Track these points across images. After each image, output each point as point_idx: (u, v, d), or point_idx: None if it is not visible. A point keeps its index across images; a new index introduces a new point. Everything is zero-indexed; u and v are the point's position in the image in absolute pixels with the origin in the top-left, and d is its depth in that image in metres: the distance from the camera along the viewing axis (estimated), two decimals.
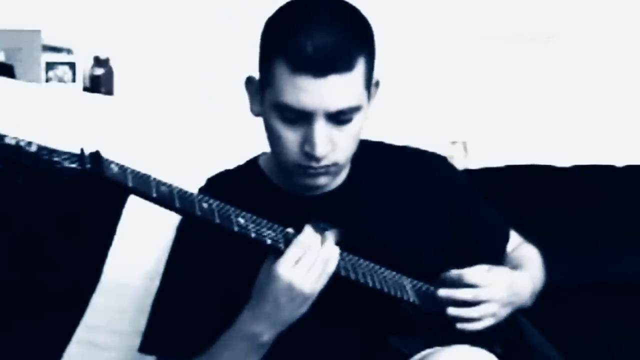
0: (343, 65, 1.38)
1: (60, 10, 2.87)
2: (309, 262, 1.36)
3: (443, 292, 1.49)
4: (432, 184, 1.62)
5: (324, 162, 1.43)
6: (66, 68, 2.84)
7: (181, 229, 1.55)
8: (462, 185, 1.67)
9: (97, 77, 2.86)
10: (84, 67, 2.88)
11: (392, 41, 2.86)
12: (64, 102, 2.29)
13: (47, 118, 2.10)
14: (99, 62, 2.87)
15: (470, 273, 1.49)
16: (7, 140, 1.17)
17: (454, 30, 3.03)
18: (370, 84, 1.47)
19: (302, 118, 1.40)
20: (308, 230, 1.37)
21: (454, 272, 1.50)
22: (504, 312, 1.52)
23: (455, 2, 3.02)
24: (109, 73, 2.87)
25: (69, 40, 2.89)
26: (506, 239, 1.72)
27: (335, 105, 1.39)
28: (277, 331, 1.40)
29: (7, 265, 2.05)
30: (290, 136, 1.43)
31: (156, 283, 1.59)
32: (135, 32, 2.91)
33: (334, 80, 1.38)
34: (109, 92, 2.86)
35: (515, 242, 1.74)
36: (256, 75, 1.49)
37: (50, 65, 2.83)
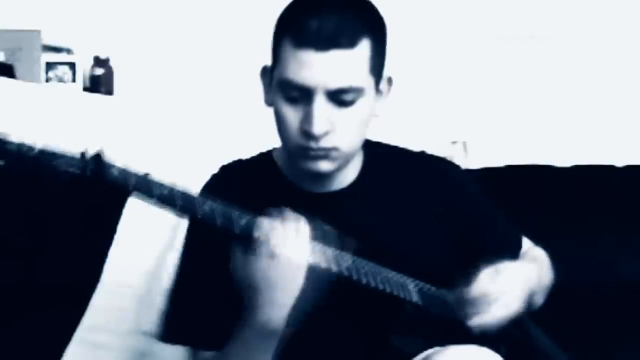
0: (345, 41, 1.40)
1: (60, 10, 2.87)
2: (279, 232, 1.34)
3: (456, 291, 1.48)
4: (441, 190, 1.62)
5: (322, 144, 1.43)
6: (66, 68, 2.84)
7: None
8: (472, 193, 1.67)
9: (97, 77, 2.86)
10: (84, 67, 2.88)
11: (392, 41, 2.86)
12: (64, 102, 2.29)
13: (47, 118, 2.11)
14: (99, 62, 2.87)
15: (478, 287, 1.48)
16: (9, 145, 1.17)
17: (454, 30, 3.03)
18: (378, 71, 1.47)
19: (304, 96, 1.42)
20: (267, 217, 1.36)
21: (466, 291, 1.49)
22: (519, 304, 1.52)
23: (454, 2, 3.02)
24: (109, 73, 2.87)
25: (69, 40, 2.89)
26: (519, 247, 1.72)
27: (335, 82, 1.40)
28: (284, 313, 1.38)
29: (7, 265, 2.05)
30: (292, 115, 1.44)
31: (156, 283, 1.59)
32: (135, 32, 2.91)
33: (335, 55, 1.39)
34: (109, 92, 2.86)
35: (525, 247, 1.74)
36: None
37: (50, 65, 2.83)
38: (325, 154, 1.45)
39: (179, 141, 2.24)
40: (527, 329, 1.65)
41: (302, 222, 1.37)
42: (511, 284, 1.50)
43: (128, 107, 2.44)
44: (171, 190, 1.29)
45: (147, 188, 1.27)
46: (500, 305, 1.48)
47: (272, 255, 1.34)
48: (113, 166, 1.24)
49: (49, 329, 2.00)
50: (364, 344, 1.51)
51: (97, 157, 1.22)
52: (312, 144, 1.43)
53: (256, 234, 1.34)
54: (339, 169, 1.50)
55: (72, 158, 1.21)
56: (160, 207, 1.29)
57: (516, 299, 1.50)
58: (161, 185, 1.28)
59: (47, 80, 2.81)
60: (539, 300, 1.64)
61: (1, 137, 1.17)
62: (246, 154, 1.63)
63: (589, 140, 3.01)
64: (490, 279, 1.48)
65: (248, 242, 1.35)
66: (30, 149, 1.18)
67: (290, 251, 1.35)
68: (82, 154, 1.22)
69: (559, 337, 1.70)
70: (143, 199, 1.27)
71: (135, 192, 1.26)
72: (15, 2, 2.84)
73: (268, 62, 1.50)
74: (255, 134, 2.00)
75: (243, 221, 1.34)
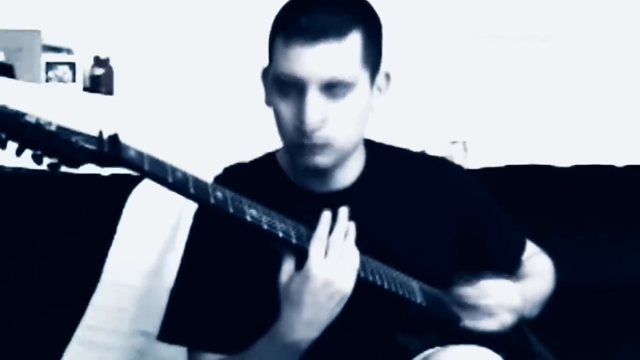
0: (333, 33, 1.41)
1: (60, 10, 2.87)
2: (337, 254, 1.36)
3: (455, 291, 1.50)
4: (444, 191, 1.62)
5: (315, 140, 1.44)
6: (66, 68, 2.85)
7: (198, 217, 1.54)
8: (476, 195, 1.67)
9: (97, 77, 2.86)
10: (84, 67, 2.88)
11: (392, 41, 2.86)
12: (64, 102, 2.29)
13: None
14: (99, 62, 2.87)
15: (481, 283, 1.50)
16: (28, 119, 1.17)
17: (454, 30, 3.03)
18: (372, 64, 1.48)
19: (297, 90, 1.43)
20: (326, 222, 1.37)
21: (467, 281, 1.50)
22: (511, 320, 1.53)
23: (454, 2, 3.02)
24: (109, 73, 2.87)
25: (69, 40, 2.90)
26: (522, 250, 1.72)
27: (325, 73, 1.41)
28: (315, 336, 1.38)
29: (6, 264, 2.06)
30: (286, 111, 1.45)
31: (156, 283, 1.59)
32: (135, 32, 2.91)
33: (324, 48, 1.41)
34: (109, 92, 2.86)
35: (530, 252, 1.74)
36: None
37: (50, 65, 2.83)
38: (320, 149, 1.45)
39: (179, 141, 2.24)
40: (526, 334, 1.65)
41: (355, 257, 1.38)
42: (508, 301, 1.52)
43: (128, 107, 2.44)
44: (185, 174, 1.29)
45: (162, 170, 1.26)
46: (494, 319, 1.50)
47: (327, 283, 1.34)
48: (129, 147, 1.24)
49: (49, 329, 2.00)
50: (369, 343, 1.51)
51: (114, 137, 1.22)
52: (305, 141, 1.43)
53: (312, 255, 1.34)
54: (338, 165, 1.50)
55: (89, 137, 1.20)
56: (173, 191, 1.29)
57: (509, 315, 1.52)
58: (175, 169, 1.28)
59: (47, 80, 2.82)
60: (535, 311, 1.65)
61: (20, 112, 1.17)
62: (247, 155, 1.63)
63: (589, 140, 3.01)
64: (490, 290, 1.50)
65: (302, 258, 1.35)
66: (49, 123, 1.18)
67: (344, 282, 1.36)
68: (100, 133, 1.21)
69: (559, 337, 1.70)
70: (157, 182, 1.27)
71: (149, 174, 1.25)
72: (15, 2, 2.85)
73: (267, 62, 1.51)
74: (256, 134, 2.01)
75: (254, 212, 1.33)
